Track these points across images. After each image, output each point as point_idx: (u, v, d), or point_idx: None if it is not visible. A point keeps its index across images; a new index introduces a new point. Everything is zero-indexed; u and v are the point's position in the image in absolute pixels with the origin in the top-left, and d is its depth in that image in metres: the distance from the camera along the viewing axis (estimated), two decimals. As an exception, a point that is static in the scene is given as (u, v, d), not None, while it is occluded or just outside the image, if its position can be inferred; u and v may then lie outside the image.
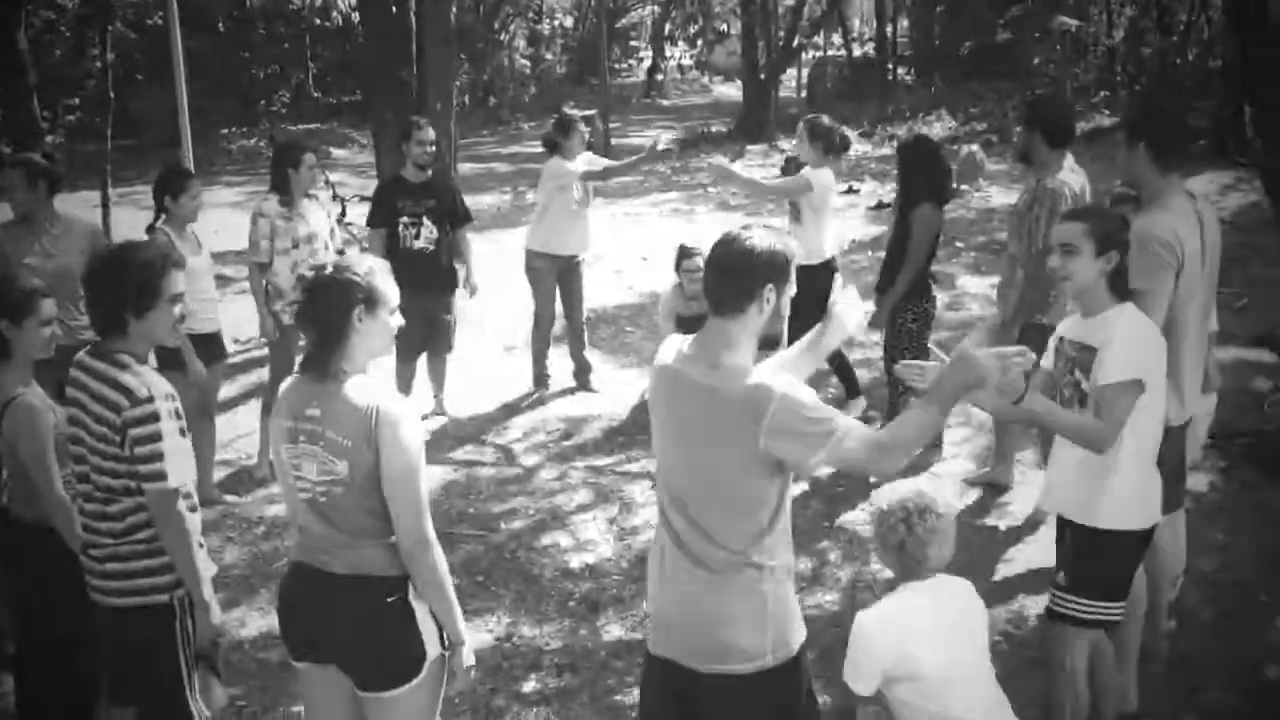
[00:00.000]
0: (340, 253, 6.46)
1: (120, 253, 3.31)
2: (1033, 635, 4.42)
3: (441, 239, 6.77)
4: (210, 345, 5.81)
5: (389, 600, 2.91)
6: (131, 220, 12.55)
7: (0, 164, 6.40)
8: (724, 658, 2.79)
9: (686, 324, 6.88)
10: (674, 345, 2.94)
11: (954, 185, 13.59)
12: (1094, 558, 3.46)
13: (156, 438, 3.05)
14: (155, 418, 3.05)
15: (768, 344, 3.38)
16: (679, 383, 2.84)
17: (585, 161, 7.25)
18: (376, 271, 2.95)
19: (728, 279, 2.78)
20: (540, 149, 7.54)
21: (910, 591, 3.20)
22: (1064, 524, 3.57)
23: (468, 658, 3.03)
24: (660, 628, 2.93)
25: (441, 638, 2.98)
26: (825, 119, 6.73)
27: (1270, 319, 8.05)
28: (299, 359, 3.05)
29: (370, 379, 2.96)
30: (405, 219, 6.67)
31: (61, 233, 5.44)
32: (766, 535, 2.78)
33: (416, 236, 6.69)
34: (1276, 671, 4.23)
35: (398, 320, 3.01)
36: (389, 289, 2.96)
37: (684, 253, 6.78)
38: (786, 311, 2.89)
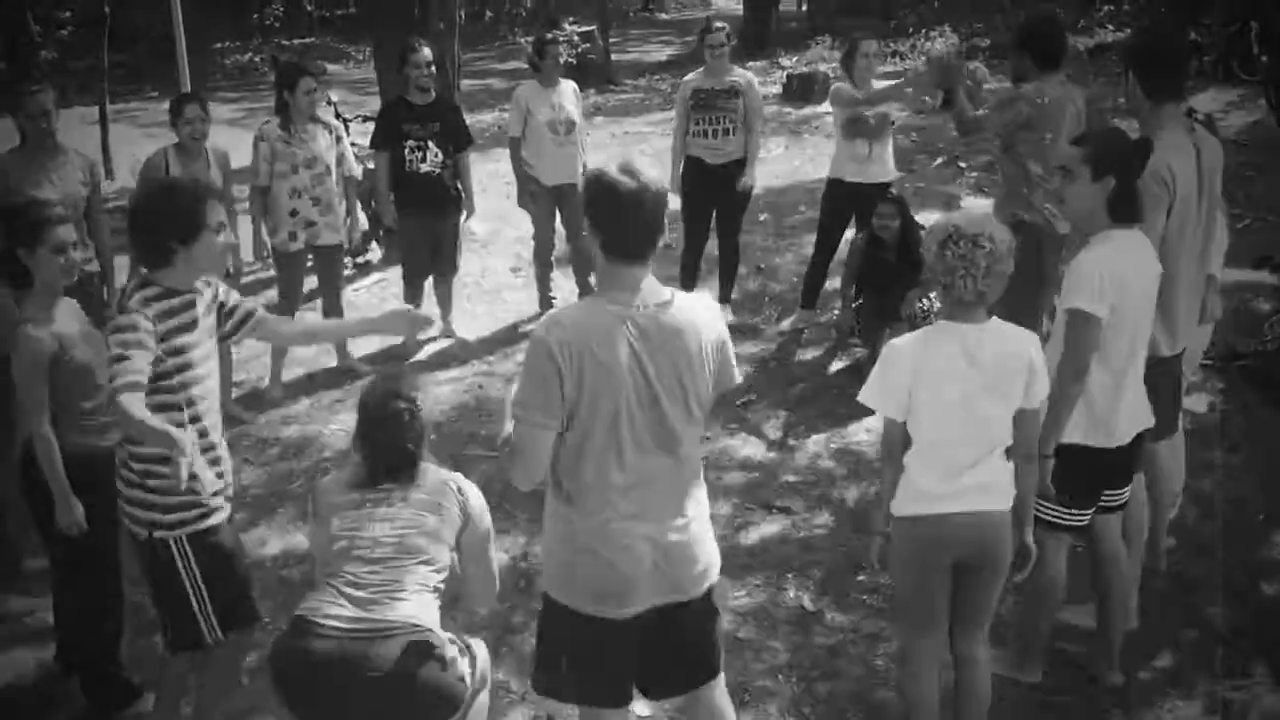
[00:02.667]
0: (349, 177, 6.45)
1: (167, 184, 3.59)
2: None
3: (446, 162, 6.75)
4: None
5: (434, 652, 3.05)
6: (130, 137, 12.52)
7: (41, 82, 6.20)
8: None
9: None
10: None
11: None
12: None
13: (121, 345, 3.11)
14: (124, 328, 3.13)
15: None
16: None
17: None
18: (419, 381, 3.17)
19: None
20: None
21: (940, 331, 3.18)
22: None
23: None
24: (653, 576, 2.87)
25: (474, 664, 3.27)
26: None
27: (1272, 240, 8.05)
28: (352, 472, 3.27)
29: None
30: (411, 142, 6.63)
31: (64, 162, 5.36)
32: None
33: (423, 160, 6.66)
34: (1273, 588, 4.36)
35: None
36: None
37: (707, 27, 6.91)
38: None
